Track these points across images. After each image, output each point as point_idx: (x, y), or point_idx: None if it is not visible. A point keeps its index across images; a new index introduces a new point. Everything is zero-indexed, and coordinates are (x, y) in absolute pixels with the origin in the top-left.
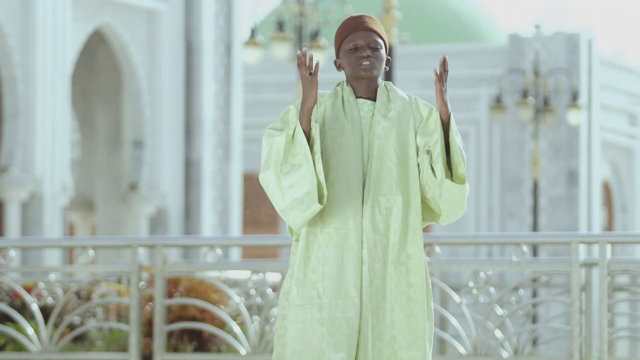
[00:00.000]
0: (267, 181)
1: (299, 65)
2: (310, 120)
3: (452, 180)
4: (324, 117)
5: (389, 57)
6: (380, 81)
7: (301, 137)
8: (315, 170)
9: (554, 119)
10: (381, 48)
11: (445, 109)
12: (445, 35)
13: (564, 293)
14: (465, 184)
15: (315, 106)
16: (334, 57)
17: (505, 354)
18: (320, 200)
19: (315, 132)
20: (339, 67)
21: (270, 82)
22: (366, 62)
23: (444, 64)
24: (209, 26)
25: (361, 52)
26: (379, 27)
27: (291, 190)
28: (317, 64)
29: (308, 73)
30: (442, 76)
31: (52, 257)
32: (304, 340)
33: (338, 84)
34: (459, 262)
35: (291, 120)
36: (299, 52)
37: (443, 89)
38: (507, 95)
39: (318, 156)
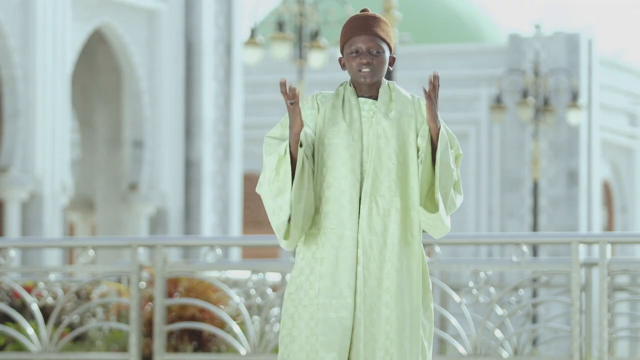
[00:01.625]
0: (263, 198)
1: (282, 93)
2: (297, 143)
3: (425, 206)
4: (324, 118)
5: (393, 57)
6: (384, 80)
7: (286, 161)
8: (291, 199)
9: (554, 119)
10: (383, 52)
11: (434, 124)
12: (445, 35)
13: (564, 293)
14: (436, 213)
15: (315, 108)
16: (334, 57)
17: (505, 354)
18: (285, 236)
19: (302, 156)
20: (343, 65)
21: (270, 82)
22: (366, 69)
23: (433, 80)
24: (209, 26)
25: (362, 57)
26: (383, 29)
27: (278, 214)
28: (297, 94)
29: (290, 102)
30: (432, 93)
31: (52, 257)
32: (304, 341)
33: (341, 84)
34: (459, 262)
35: (271, 140)
36: (281, 79)
37: (432, 105)
38: (507, 95)
39: (306, 178)
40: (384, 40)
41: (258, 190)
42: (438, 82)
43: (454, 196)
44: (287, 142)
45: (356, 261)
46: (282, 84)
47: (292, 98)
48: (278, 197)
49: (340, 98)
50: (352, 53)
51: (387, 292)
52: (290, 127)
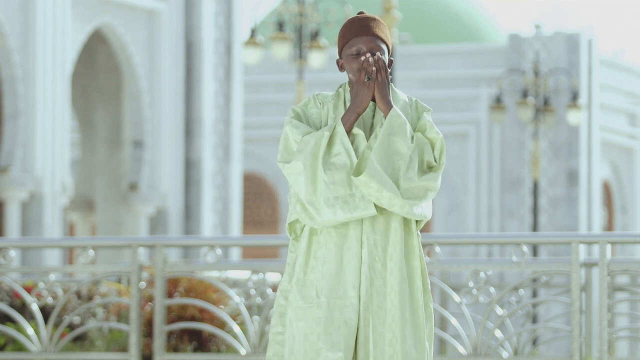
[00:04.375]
0: (299, 170)
1: (359, 69)
2: (353, 124)
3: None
4: (327, 118)
5: (391, 59)
6: None
7: (344, 137)
8: None
9: (554, 119)
10: (383, 53)
11: (383, 106)
12: (445, 35)
13: (564, 293)
14: (360, 177)
15: (319, 107)
16: (334, 57)
17: (505, 354)
18: (353, 209)
19: (359, 138)
20: (341, 67)
21: (270, 82)
22: None
23: (376, 62)
24: (209, 26)
25: None
26: (382, 31)
27: (332, 187)
28: (374, 72)
29: (366, 78)
30: (378, 75)
31: (52, 257)
32: (303, 339)
33: (340, 86)
34: (459, 262)
35: (298, 123)
36: (363, 57)
37: (378, 87)
38: (507, 95)
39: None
40: (384, 42)
41: (293, 164)
42: (381, 63)
43: (414, 174)
44: (336, 123)
45: (361, 261)
46: (367, 62)
47: (371, 74)
48: (332, 172)
49: (341, 99)
50: (352, 54)
51: (391, 290)
52: (357, 105)
